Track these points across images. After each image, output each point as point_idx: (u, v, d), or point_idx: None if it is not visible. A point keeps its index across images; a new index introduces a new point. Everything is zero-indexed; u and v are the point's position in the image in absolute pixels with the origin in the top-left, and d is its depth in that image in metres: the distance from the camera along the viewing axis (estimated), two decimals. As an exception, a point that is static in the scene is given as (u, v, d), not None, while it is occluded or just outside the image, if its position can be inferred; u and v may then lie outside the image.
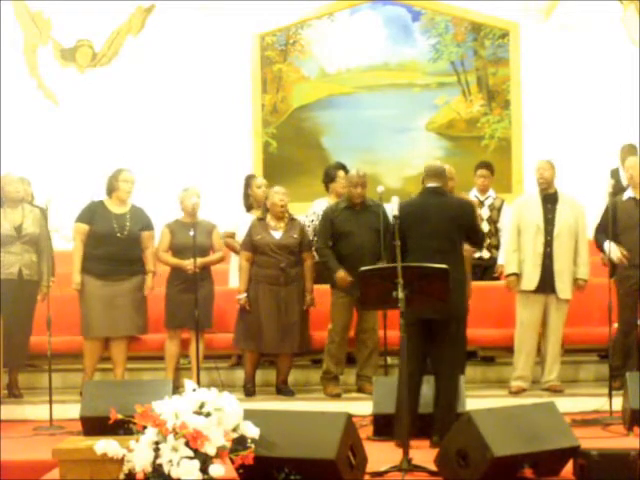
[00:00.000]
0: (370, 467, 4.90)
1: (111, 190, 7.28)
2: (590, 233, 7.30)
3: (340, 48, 10.26)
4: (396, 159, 10.11)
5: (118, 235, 7.14)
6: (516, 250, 7.10)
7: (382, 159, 10.10)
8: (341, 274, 7.04)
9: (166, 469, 4.40)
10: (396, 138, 10.14)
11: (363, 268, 5.73)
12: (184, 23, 10.18)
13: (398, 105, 10.19)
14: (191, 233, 7.17)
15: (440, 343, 5.77)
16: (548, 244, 7.03)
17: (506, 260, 7.23)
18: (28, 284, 7.17)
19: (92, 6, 10.09)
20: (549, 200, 7.12)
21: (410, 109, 10.19)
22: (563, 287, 7.03)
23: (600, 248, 7.16)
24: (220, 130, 10.10)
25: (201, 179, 9.23)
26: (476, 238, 6.15)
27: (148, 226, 7.35)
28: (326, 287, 7.31)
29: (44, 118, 10.23)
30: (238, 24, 10.14)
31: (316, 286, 7.34)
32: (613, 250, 6.90)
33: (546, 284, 7.01)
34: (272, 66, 10.30)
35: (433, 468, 4.91)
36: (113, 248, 7.12)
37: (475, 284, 7.54)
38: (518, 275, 7.07)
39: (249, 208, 7.97)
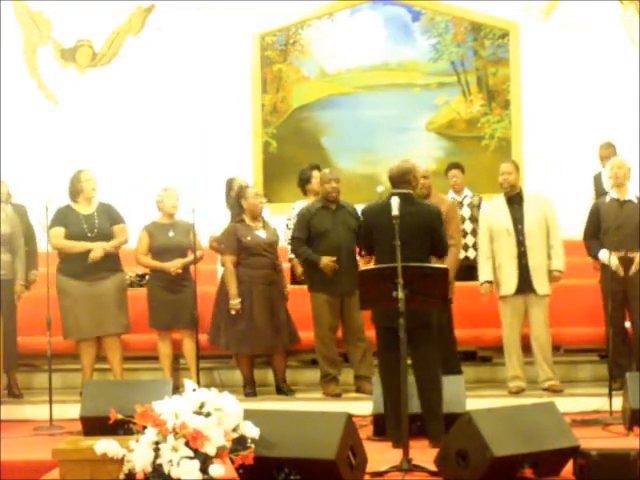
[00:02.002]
0: (370, 467, 4.90)
1: (76, 193, 7.25)
2: (562, 225, 7.29)
3: (340, 48, 10.27)
4: (396, 159, 10.04)
5: (89, 235, 7.12)
6: (489, 258, 7.12)
7: (382, 159, 10.07)
8: (325, 260, 7.01)
9: (166, 469, 4.40)
10: (396, 138, 10.14)
11: (363, 268, 5.73)
12: (184, 23, 10.19)
13: (398, 105, 10.20)
14: (170, 234, 7.17)
15: (415, 348, 5.69)
16: (521, 244, 7.05)
17: (480, 268, 7.22)
18: (4, 283, 7.06)
19: (92, 6, 10.11)
20: (515, 201, 7.14)
21: (410, 109, 10.19)
22: (540, 283, 7.03)
23: (593, 255, 7.13)
24: (220, 130, 10.11)
25: (201, 179, 9.27)
26: (439, 246, 5.88)
27: (118, 220, 7.31)
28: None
29: (44, 118, 10.23)
30: (238, 24, 10.14)
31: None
32: (612, 259, 6.87)
33: (525, 284, 7.02)
34: (272, 66, 10.31)
35: (433, 468, 4.91)
36: None
37: (470, 285, 7.53)
38: (492, 282, 7.10)
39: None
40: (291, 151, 10.26)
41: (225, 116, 10.14)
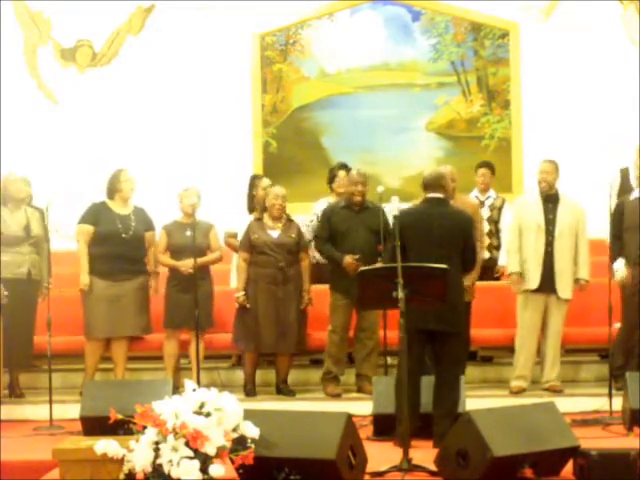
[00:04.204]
0: (370, 467, 4.91)
1: (114, 191, 7.29)
2: (590, 234, 7.32)
3: (340, 48, 10.26)
4: (396, 159, 10.11)
5: (123, 236, 7.15)
6: (518, 250, 7.11)
7: (382, 159, 10.09)
8: (348, 259, 7.02)
9: (166, 469, 4.40)
10: (396, 138, 10.13)
11: (362, 268, 5.74)
12: (184, 23, 10.18)
13: (398, 105, 10.19)
14: (188, 233, 7.19)
15: (442, 350, 5.79)
16: (549, 244, 7.05)
17: (508, 260, 7.22)
18: (34, 283, 7.21)
19: (92, 6, 10.09)
20: (550, 200, 7.14)
21: (410, 109, 10.18)
22: (564, 287, 7.04)
23: (612, 258, 7.11)
24: (220, 130, 10.10)
25: (201, 179, 9.21)
26: (469, 258, 5.95)
27: (151, 226, 7.40)
28: (326, 287, 7.31)
29: (44, 118, 10.23)
30: (238, 24, 10.14)
31: (316, 286, 7.36)
32: (620, 270, 6.97)
33: (547, 284, 7.02)
34: (272, 66, 10.30)
35: (433, 468, 4.91)
36: (118, 248, 7.13)
37: (484, 284, 7.53)
38: (521, 273, 7.08)
39: (252, 210, 7.92)
40: (291, 151, 10.26)
41: (225, 116, 10.13)
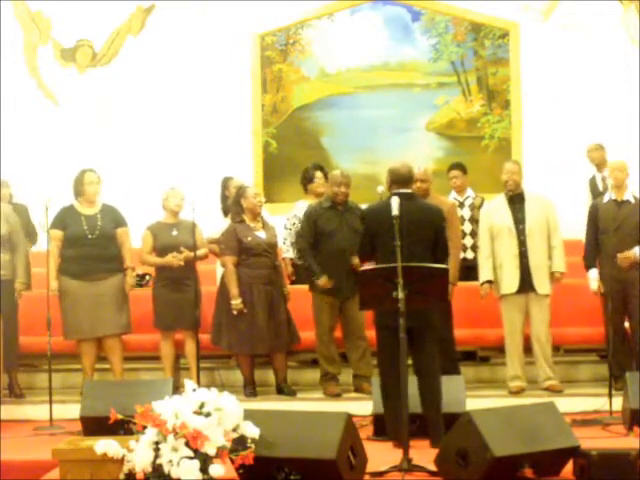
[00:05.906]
0: (370, 467, 4.90)
1: (78, 194, 7.27)
2: (561, 225, 7.30)
3: (340, 48, 10.27)
4: (396, 159, 10.08)
5: (89, 236, 7.12)
6: (489, 257, 7.13)
7: (382, 159, 10.06)
8: (323, 280, 7.02)
9: (166, 469, 4.40)
10: (396, 138, 10.13)
11: (363, 268, 5.74)
12: (184, 23, 10.19)
13: (398, 105, 10.20)
14: (174, 233, 7.17)
15: (417, 348, 5.72)
16: (522, 244, 7.07)
17: (480, 268, 7.22)
18: (4, 284, 7.07)
19: (92, 6, 10.11)
20: (516, 201, 7.17)
21: (410, 109, 10.19)
22: (541, 282, 7.04)
23: (585, 266, 7.18)
24: (220, 130, 10.11)
25: (201, 179, 9.26)
26: (442, 250, 5.84)
27: (121, 223, 7.32)
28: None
29: (44, 118, 10.23)
30: (238, 24, 10.14)
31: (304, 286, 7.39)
32: (593, 280, 7.05)
33: (526, 283, 7.04)
34: (272, 66, 10.31)
35: (433, 468, 4.91)
36: (86, 250, 7.10)
37: (470, 285, 7.52)
38: (492, 282, 7.11)
39: (227, 212, 7.79)
40: (291, 151, 10.26)
41: (225, 116, 10.14)
